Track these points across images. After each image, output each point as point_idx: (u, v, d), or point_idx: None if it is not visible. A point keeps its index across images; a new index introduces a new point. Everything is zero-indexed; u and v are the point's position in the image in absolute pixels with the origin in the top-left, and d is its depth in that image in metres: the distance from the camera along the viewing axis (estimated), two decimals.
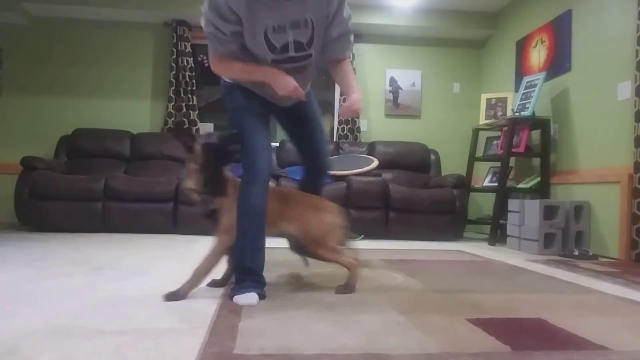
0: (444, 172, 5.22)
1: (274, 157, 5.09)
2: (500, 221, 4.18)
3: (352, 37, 1.87)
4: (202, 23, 1.75)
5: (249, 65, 1.79)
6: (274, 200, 1.95)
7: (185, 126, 5.23)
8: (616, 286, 2.31)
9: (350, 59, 1.85)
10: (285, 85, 1.73)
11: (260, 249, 1.86)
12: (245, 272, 1.82)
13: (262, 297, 1.78)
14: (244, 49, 1.77)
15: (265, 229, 1.89)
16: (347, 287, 1.97)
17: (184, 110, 5.22)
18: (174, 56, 5.22)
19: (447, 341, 1.34)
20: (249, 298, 1.74)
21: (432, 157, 5.29)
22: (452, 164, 5.37)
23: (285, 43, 1.71)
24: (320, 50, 1.80)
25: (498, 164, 4.45)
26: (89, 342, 1.29)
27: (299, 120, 2.01)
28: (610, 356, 1.27)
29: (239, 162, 1.87)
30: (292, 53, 1.73)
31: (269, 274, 2.33)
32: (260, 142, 1.86)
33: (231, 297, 1.78)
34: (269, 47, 1.71)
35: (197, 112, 5.28)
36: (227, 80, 1.92)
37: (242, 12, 1.66)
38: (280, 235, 2.01)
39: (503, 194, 4.21)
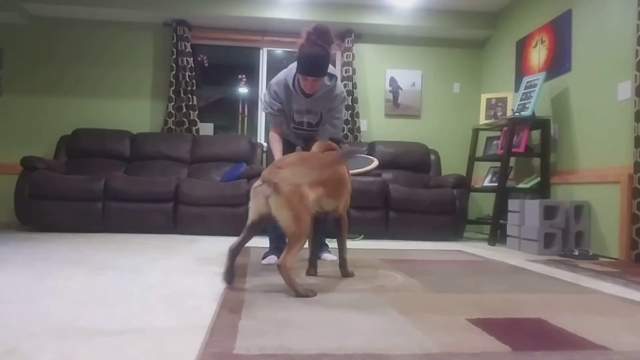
0: (444, 172, 5.22)
1: None
2: (500, 221, 4.18)
3: (341, 121, 2.81)
4: (262, 107, 2.78)
5: (277, 144, 2.69)
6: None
7: (185, 126, 5.23)
8: (616, 286, 2.31)
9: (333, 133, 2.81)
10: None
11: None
12: (270, 241, 2.80)
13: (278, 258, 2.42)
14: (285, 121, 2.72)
15: None
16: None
17: (184, 110, 5.22)
18: (174, 56, 5.22)
19: (447, 341, 1.34)
20: (270, 259, 2.64)
21: (432, 157, 5.29)
22: (452, 164, 5.37)
23: (301, 121, 2.69)
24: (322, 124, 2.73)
25: (498, 164, 4.45)
26: (89, 342, 1.29)
27: None
28: (610, 356, 1.27)
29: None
30: (305, 127, 2.72)
31: (268, 275, 2.33)
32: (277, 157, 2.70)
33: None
34: (292, 121, 2.69)
35: (197, 112, 5.28)
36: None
37: (281, 97, 2.62)
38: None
39: (503, 194, 4.21)
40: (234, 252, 2.03)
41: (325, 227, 2.73)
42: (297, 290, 1.86)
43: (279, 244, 2.72)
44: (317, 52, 2.37)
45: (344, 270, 2.34)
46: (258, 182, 1.97)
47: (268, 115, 2.72)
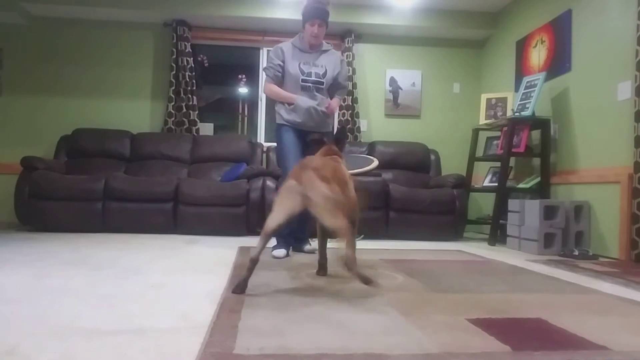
0: (444, 172, 5.22)
1: (273, 157, 5.11)
2: (500, 221, 4.18)
3: (345, 89, 3.37)
4: (265, 66, 3.20)
5: (281, 91, 3.10)
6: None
7: (185, 126, 5.23)
8: (616, 286, 2.31)
9: (342, 97, 3.42)
10: (293, 99, 3.06)
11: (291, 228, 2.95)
12: (277, 236, 2.91)
13: (286, 252, 2.96)
14: (284, 80, 3.12)
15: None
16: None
17: (184, 110, 5.22)
18: (174, 56, 5.21)
19: (447, 341, 1.34)
20: (278, 252, 2.90)
21: (432, 157, 5.29)
22: (452, 164, 5.37)
23: (310, 72, 3.08)
24: (329, 87, 3.17)
25: (498, 164, 4.45)
26: (89, 342, 1.29)
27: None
28: (610, 356, 1.27)
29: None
30: (313, 77, 3.08)
31: (268, 275, 2.33)
32: (292, 156, 3.00)
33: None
34: (300, 72, 3.07)
35: (197, 112, 5.27)
36: (276, 122, 3.16)
37: (286, 54, 3.10)
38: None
39: (503, 194, 4.21)
40: (256, 261, 1.91)
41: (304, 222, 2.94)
42: (364, 277, 1.85)
43: (287, 239, 3.03)
44: (319, 5, 3.01)
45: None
46: (292, 182, 1.92)
47: (268, 69, 3.11)
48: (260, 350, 1.22)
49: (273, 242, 3.03)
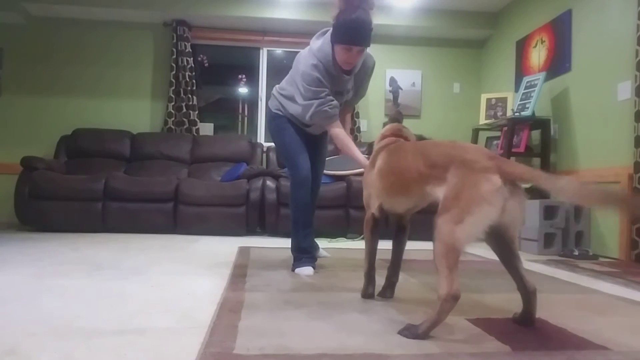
0: None
1: (273, 157, 5.11)
2: None
3: (363, 97, 2.64)
4: (303, 104, 2.26)
5: (353, 146, 2.29)
6: (415, 157, 1.57)
7: (185, 126, 5.23)
8: (616, 286, 2.31)
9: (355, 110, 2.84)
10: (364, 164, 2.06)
11: (309, 233, 2.46)
12: (302, 251, 2.44)
13: (314, 269, 2.39)
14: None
15: (312, 219, 2.47)
16: (409, 330, 1.37)
17: (184, 110, 5.22)
18: (174, 56, 5.22)
19: (447, 341, 1.34)
20: (307, 270, 2.35)
21: None
22: None
23: (341, 102, 2.37)
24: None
25: None
26: (89, 342, 1.29)
27: (313, 148, 2.60)
28: (610, 356, 1.27)
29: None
30: (341, 106, 2.39)
31: (269, 274, 2.33)
32: (301, 155, 2.43)
33: (293, 270, 2.39)
34: None
35: (197, 112, 5.28)
36: (274, 110, 2.51)
37: (327, 83, 2.24)
38: (421, 204, 1.70)
39: None
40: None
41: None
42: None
43: (313, 254, 2.53)
44: (363, 17, 2.06)
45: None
46: (499, 181, 1.36)
47: (323, 104, 2.20)
48: (260, 350, 1.22)
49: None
